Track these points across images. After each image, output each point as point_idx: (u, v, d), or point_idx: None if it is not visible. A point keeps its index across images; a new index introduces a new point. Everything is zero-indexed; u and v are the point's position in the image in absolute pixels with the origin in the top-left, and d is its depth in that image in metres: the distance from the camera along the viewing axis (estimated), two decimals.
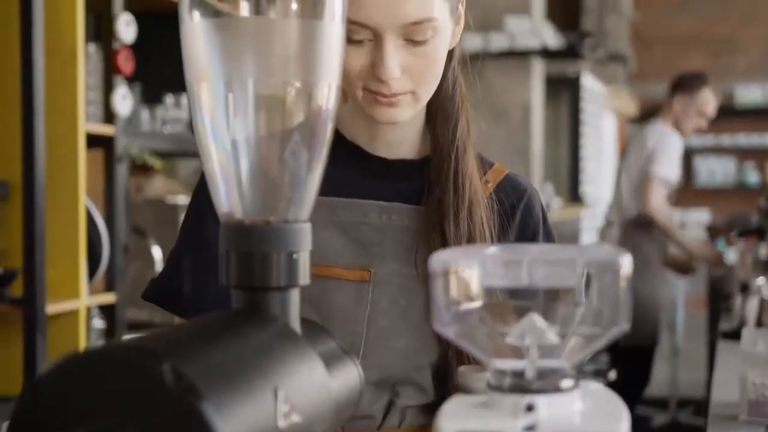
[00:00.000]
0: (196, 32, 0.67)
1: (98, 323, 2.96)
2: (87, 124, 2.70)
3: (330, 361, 0.68)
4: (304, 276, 0.67)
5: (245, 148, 0.67)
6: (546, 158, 6.43)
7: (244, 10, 0.66)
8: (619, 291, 0.63)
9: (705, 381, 4.43)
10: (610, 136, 8.57)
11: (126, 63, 2.86)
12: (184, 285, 1.19)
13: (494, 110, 5.55)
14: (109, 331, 2.90)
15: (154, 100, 3.25)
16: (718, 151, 9.91)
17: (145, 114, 3.16)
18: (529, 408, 0.62)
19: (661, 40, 9.83)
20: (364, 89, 1.12)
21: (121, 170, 2.88)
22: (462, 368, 0.70)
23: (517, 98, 5.74)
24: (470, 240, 1.17)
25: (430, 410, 1.17)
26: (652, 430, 4.99)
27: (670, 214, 4.24)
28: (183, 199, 3.39)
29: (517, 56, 5.67)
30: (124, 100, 2.86)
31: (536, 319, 0.64)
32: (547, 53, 5.88)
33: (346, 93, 1.17)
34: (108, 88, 2.84)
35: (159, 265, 3.15)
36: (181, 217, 1.28)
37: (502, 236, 1.22)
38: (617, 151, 8.49)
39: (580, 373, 0.66)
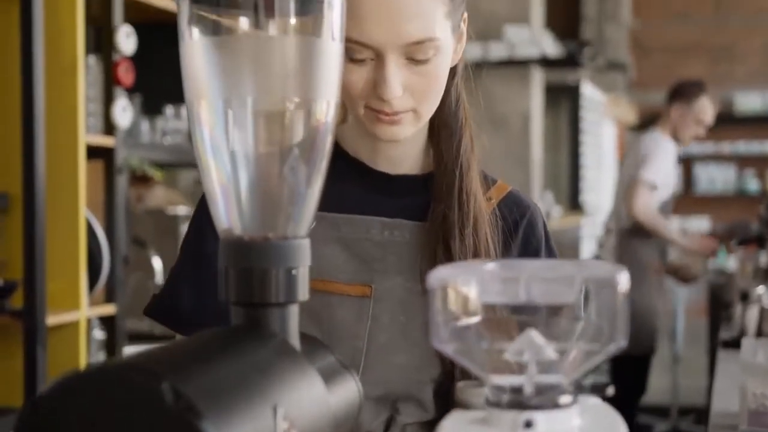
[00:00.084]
0: (195, 50, 0.68)
1: (98, 334, 2.96)
2: (87, 135, 2.71)
3: (329, 377, 0.68)
4: (303, 292, 0.68)
5: (244, 164, 0.67)
6: (546, 167, 6.43)
7: (244, 26, 0.67)
8: (617, 307, 0.64)
9: (706, 389, 4.43)
10: (610, 144, 8.58)
11: (126, 74, 2.87)
12: (185, 301, 1.19)
13: (494, 119, 5.55)
14: (110, 343, 2.90)
15: (154, 112, 3.25)
16: (718, 158, 9.91)
17: (145, 125, 3.16)
18: (528, 424, 0.62)
19: (660, 48, 9.84)
20: (366, 107, 1.13)
21: (121, 181, 2.89)
22: (460, 384, 0.70)
23: (517, 107, 5.74)
24: (476, 255, 1.18)
25: (430, 427, 1.17)
26: None
27: (656, 215, 4.20)
28: (183, 210, 3.40)
29: (517, 65, 5.68)
30: (124, 111, 2.87)
31: (534, 335, 0.64)
32: (546, 62, 5.89)
33: (345, 112, 1.18)
34: (108, 100, 2.85)
35: (159, 275, 3.15)
36: (182, 227, 1.28)
37: (505, 252, 1.23)
38: (617, 159, 8.49)
39: (579, 388, 0.66)
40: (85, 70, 2.72)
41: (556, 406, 0.63)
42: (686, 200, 9.25)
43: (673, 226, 4.81)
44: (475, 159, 1.23)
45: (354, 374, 0.73)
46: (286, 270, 0.66)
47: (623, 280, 0.64)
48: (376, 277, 1.17)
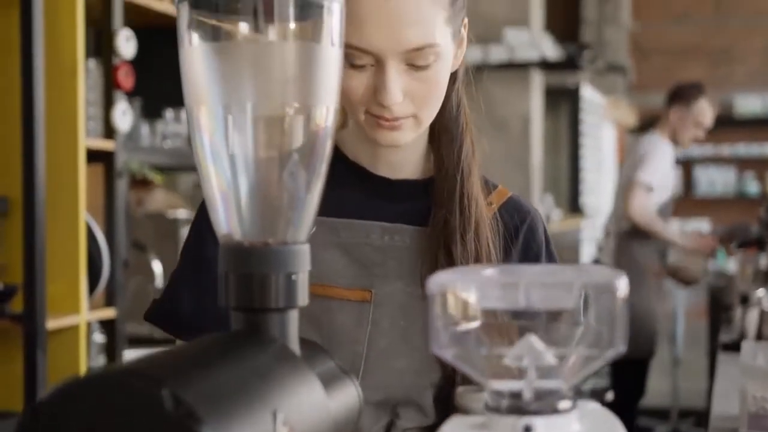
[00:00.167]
0: (195, 55, 0.68)
1: (99, 338, 2.96)
2: (87, 139, 2.71)
3: (328, 382, 0.68)
4: (302, 297, 0.68)
5: (244, 169, 0.67)
6: (546, 169, 6.43)
7: (243, 32, 0.67)
8: (617, 312, 0.64)
9: (706, 392, 4.43)
10: (610, 146, 8.58)
11: (126, 78, 2.87)
12: (185, 306, 1.19)
13: (494, 122, 5.56)
14: (110, 346, 2.90)
15: (154, 115, 3.26)
16: (718, 161, 9.92)
17: (145, 129, 3.16)
18: (527, 429, 0.62)
19: (660, 51, 9.85)
20: (366, 113, 1.13)
21: (121, 185, 2.89)
22: (460, 389, 0.70)
23: (517, 110, 5.75)
24: (477, 260, 1.18)
25: None
26: None
27: (653, 216, 4.19)
28: (183, 213, 3.40)
29: (517, 68, 5.69)
30: (124, 115, 2.87)
31: (534, 340, 0.64)
32: (546, 65, 5.90)
33: (345, 117, 1.18)
34: (108, 104, 2.85)
35: (159, 279, 3.15)
36: (182, 231, 1.29)
37: (505, 258, 1.23)
38: (617, 161, 8.50)
39: (578, 393, 0.66)
40: (85, 73, 2.72)
41: (555, 411, 0.63)
42: (686, 203, 9.26)
43: (673, 228, 4.79)
44: (476, 164, 1.23)
45: (354, 379, 0.73)
46: (285, 275, 0.66)
47: (622, 285, 0.64)
48: (376, 281, 1.17)
